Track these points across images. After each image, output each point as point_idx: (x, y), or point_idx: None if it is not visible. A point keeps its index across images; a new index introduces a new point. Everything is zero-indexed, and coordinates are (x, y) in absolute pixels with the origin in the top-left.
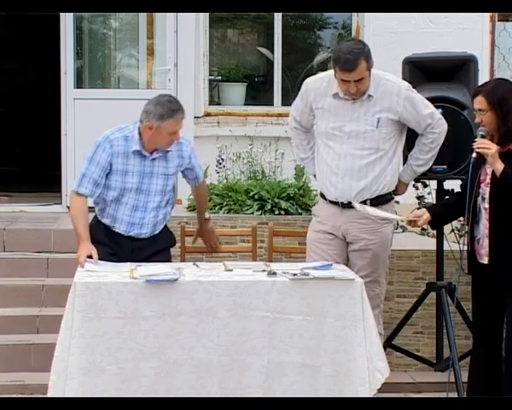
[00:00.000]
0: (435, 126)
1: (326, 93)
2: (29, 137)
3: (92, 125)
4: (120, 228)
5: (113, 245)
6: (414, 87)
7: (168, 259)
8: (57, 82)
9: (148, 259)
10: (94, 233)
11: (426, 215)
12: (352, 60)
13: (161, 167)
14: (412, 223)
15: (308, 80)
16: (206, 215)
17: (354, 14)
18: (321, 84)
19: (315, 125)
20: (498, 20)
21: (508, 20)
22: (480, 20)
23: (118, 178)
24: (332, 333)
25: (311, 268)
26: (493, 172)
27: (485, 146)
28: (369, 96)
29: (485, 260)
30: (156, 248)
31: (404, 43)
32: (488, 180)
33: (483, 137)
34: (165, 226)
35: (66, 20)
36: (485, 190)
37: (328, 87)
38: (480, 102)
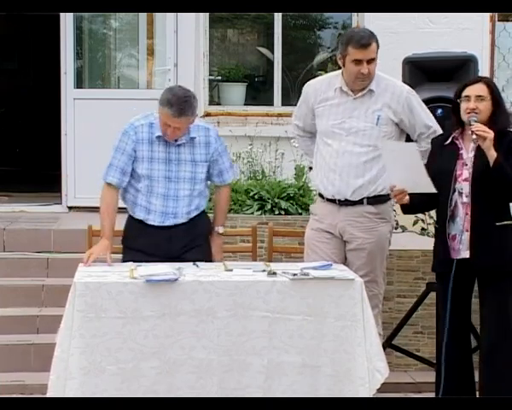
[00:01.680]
0: (430, 137)
1: (327, 91)
2: (29, 137)
3: (92, 125)
4: (155, 220)
5: (148, 243)
6: (414, 87)
7: (206, 249)
8: (57, 82)
9: (187, 246)
10: (127, 236)
11: (407, 197)
12: (367, 37)
13: (188, 154)
14: (398, 196)
15: (308, 84)
16: (220, 230)
17: (354, 14)
18: (321, 85)
19: (316, 126)
20: (498, 20)
21: (508, 20)
22: (480, 20)
23: (144, 166)
24: (332, 333)
25: (311, 268)
26: (474, 163)
27: (484, 130)
28: (371, 90)
29: (465, 255)
30: (194, 233)
31: (404, 43)
32: (465, 175)
33: (476, 121)
34: (203, 212)
35: (66, 20)
36: (462, 184)
37: (329, 86)
38: (481, 89)
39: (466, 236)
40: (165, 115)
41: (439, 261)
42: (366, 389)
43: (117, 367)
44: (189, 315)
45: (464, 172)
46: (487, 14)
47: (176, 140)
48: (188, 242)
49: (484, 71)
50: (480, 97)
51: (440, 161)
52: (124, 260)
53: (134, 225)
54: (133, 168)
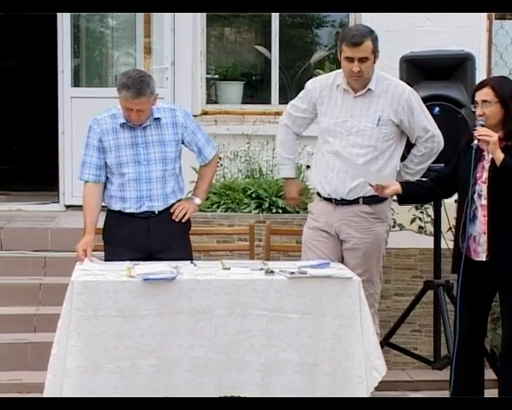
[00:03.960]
0: (428, 141)
1: (331, 89)
2: (26, 135)
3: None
4: (131, 206)
5: (128, 233)
6: (411, 85)
7: (187, 245)
8: (54, 80)
9: (166, 241)
10: (106, 230)
11: (396, 186)
12: (359, 36)
13: (155, 135)
14: (379, 189)
15: (314, 80)
16: (197, 200)
17: (351, 13)
18: (326, 82)
19: (317, 123)
20: (495, 19)
21: (505, 19)
22: (477, 19)
23: (112, 155)
24: (330, 331)
25: (309, 267)
26: (491, 165)
27: (487, 134)
28: (369, 89)
29: (483, 258)
30: (172, 231)
31: (402, 41)
32: (484, 178)
33: (482, 126)
34: None
35: (64, 19)
36: (481, 186)
37: (333, 84)
38: (486, 94)
39: (484, 238)
40: (125, 99)
41: (455, 261)
42: (364, 387)
43: (115, 365)
44: (187, 313)
45: (484, 175)
46: (484, 13)
47: (140, 124)
48: (166, 235)
49: (481, 69)
50: (486, 102)
51: (464, 162)
52: (105, 257)
53: (112, 217)
54: (104, 162)
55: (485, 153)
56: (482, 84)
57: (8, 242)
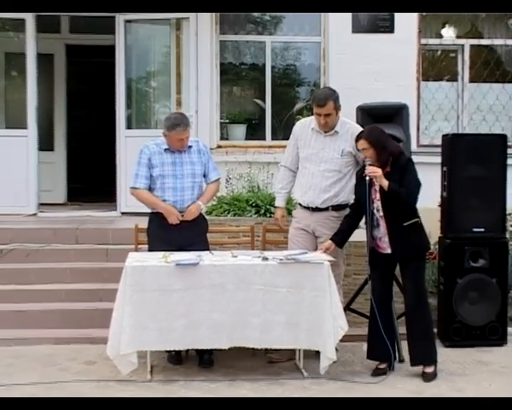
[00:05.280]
0: None
1: (308, 129)
2: (93, 163)
3: (137, 154)
4: None
5: (166, 232)
6: (363, 126)
7: (206, 241)
8: (113, 125)
9: (192, 238)
10: (151, 228)
11: (332, 246)
12: (323, 98)
13: (187, 157)
14: (326, 252)
15: (296, 124)
16: (200, 204)
17: (322, 76)
18: (305, 124)
19: (299, 154)
20: (422, 80)
21: (428, 80)
22: (410, 80)
23: (158, 169)
24: (308, 300)
25: (293, 255)
26: (381, 188)
27: (374, 170)
28: (336, 131)
29: (388, 251)
30: (196, 231)
31: (358, 95)
32: (378, 197)
33: (370, 165)
34: (202, 215)
35: (120, 81)
36: (377, 203)
37: (309, 126)
38: (362, 144)
39: (386, 238)
40: (176, 134)
41: (370, 256)
42: (332, 340)
43: (156, 325)
44: (207, 288)
45: (377, 195)
46: (415, 76)
47: (179, 149)
48: (192, 235)
49: (413, 114)
50: (364, 149)
51: (360, 189)
52: (148, 249)
53: (153, 220)
54: (151, 174)
55: (375, 180)
56: (359, 137)
57: (81, 238)
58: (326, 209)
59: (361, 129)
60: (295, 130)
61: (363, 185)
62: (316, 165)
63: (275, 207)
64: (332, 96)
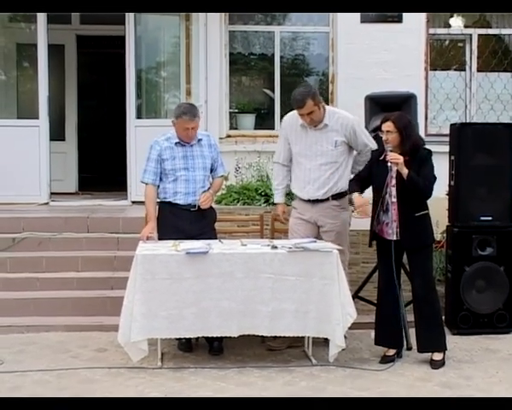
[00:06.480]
0: (367, 151)
1: (297, 124)
2: (104, 153)
3: (148, 145)
4: (181, 199)
5: (177, 220)
6: (372, 116)
7: (214, 230)
8: (124, 114)
9: (202, 230)
10: (161, 216)
11: (364, 200)
12: (300, 100)
13: (198, 151)
14: (363, 214)
15: (285, 117)
16: (212, 192)
17: (330, 66)
18: (293, 118)
19: (291, 149)
20: (430, 70)
21: (436, 70)
22: (417, 70)
23: (169, 163)
24: (317, 288)
25: (302, 243)
26: (398, 175)
27: (396, 157)
28: (326, 124)
29: (394, 237)
30: (206, 221)
31: (367, 85)
32: (393, 183)
33: (391, 151)
34: (210, 206)
35: (130, 71)
36: (392, 189)
37: (298, 122)
38: (389, 126)
39: (395, 224)
40: (184, 122)
41: (370, 239)
42: (340, 327)
43: (166, 313)
44: (216, 276)
45: (393, 181)
46: (423, 66)
47: (189, 143)
48: (202, 226)
49: (421, 104)
50: (388, 132)
51: (378, 172)
52: (159, 237)
53: (164, 209)
54: (163, 167)
55: (392, 166)
56: (386, 119)
57: (92, 226)
58: (326, 200)
59: (350, 117)
60: (284, 125)
61: (379, 168)
62: (311, 159)
63: (274, 203)
64: (308, 94)
